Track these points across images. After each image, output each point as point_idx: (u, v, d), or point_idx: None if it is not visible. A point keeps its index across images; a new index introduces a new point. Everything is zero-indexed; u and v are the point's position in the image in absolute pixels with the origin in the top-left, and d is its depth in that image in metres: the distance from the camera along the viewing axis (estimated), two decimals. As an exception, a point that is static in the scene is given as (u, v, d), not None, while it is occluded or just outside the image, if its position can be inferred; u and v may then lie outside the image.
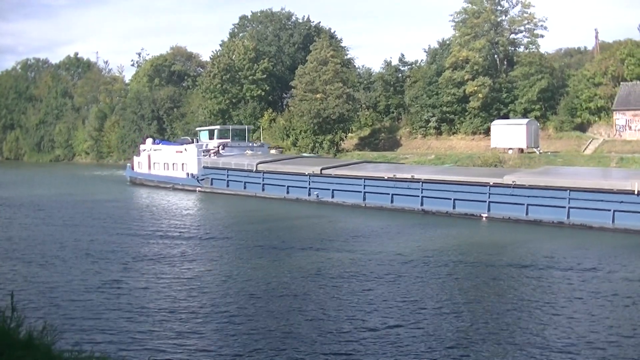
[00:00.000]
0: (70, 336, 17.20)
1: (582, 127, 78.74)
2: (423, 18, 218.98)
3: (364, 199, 49.44)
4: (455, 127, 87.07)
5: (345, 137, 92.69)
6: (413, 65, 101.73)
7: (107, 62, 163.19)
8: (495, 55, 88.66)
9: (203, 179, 65.50)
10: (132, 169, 78.36)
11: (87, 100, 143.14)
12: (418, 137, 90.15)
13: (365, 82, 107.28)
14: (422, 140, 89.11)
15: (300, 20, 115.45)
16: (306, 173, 54.53)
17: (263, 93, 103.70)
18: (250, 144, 74.66)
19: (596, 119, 78.27)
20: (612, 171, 51.24)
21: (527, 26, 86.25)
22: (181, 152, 69.96)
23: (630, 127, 72.93)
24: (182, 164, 69.10)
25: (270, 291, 23.02)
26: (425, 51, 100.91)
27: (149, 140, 79.16)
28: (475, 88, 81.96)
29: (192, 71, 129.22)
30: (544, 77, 79.95)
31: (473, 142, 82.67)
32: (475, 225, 40.76)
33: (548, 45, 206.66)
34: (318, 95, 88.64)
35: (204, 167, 66.24)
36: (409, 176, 47.30)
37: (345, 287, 23.54)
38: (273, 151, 78.36)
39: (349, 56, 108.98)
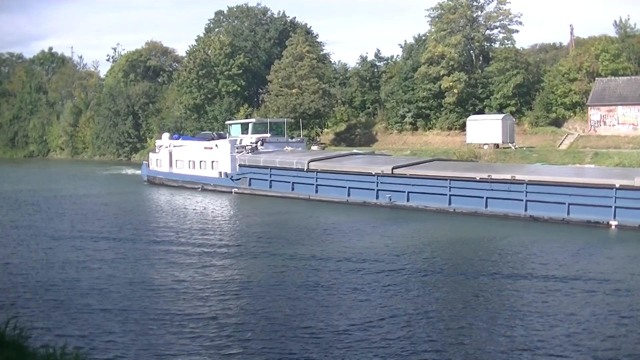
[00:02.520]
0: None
1: (558, 123, 79.01)
2: (399, 14, 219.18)
3: (450, 202, 43.40)
4: (431, 123, 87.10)
5: (321, 132, 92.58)
6: (389, 61, 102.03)
7: (81, 57, 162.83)
8: (471, 51, 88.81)
9: (239, 179, 58.90)
10: (148, 166, 71.72)
11: (61, 95, 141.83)
12: (394, 132, 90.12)
13: (341, 77, 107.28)
14: (398, 135, 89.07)
15: (276, 16, 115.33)
16: (373, 173, 48.03)
17: (239, 88, 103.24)
18: (289, 140, 68.26)
19: (571, 114, 78.61)
20: None
21: (502, 22, 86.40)
22: (211, 148, 63.18)
23: (604, 123, 73.23)
24: (212, 161, 62.28)
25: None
26: (401, 47, 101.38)
27: (166, 135, 74.05)
28: (451, 83, 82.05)
29: (168, 66, 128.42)
30: (519, 72, 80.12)
31: (449, 137, 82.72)
32: (608, 235, 35.25)
33: (523, 40, 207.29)
34: (294, 91, 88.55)
35: (240, 166, 59.24)
36: (508, 177, 41.25)
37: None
38: (314, 147, 72.37)
39: (325, 52, 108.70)
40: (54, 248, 31.56)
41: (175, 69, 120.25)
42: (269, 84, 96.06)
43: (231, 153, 60.49)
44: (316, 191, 51.69)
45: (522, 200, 40.04)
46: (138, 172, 78.24)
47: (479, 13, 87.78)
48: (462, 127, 78.50)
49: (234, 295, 22.80)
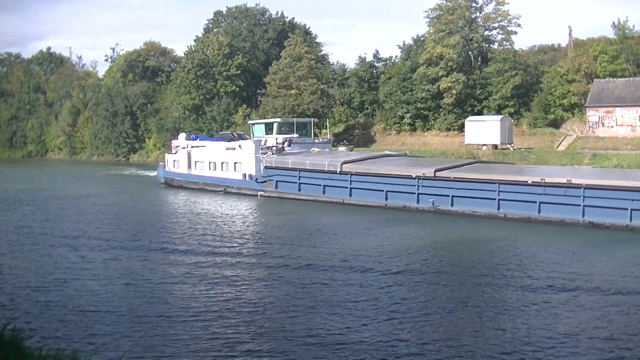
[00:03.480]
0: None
1: (556, 124, 79.07)
2: (398, 14, 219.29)
3: (499, 207, 41.24)
4: (430, 124, 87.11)
5: (320, 133, 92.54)
6: (387, 62, 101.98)
7: (80, 57, 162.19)
8: (470, 52, 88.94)
9: (265, 182, 56.35)
10: (165, 168, 68.92)
11: (59, 95, 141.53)
12: (392, 133, 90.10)
13: (339, 78, 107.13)
14: (396, 136, 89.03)
15: (275, 16, 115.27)
16: (414, 175, 45.56)
17: (237, 89, 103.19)
18: (316, 140, 66.21)
19: (569, 115, 78.74)
20: None
21: (501, 23, 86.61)
22: (234, 149, 60.48)
23: (603, 124, 73.30)
24: (235, 163, 59.71)
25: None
26: (399, 47, 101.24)
27: (182, 136, 71.65)
28: (450, 84, 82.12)
29: (166, 67, 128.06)
30: (517, 73, 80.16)
31: (447, 138, 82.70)
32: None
33: (522, 42, 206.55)
34: (292, 91, 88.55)
35: (266, 168, 56.73)
36: (564, 180, 38.98)
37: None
38: (342, 148, 68.21)
39: (323, 52, 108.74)
40: (71, 253, 30.70)
41: (174, 69, 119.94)
42: (267, 85, 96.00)
43: (255, 154, 58.04)
44: (350, 195, 49.43)
45: (579, 205, 37.94)
46: (142, 172, 77.58)
47: (478, 14, 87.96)
48: (461, 128, 78.54)
49: (263, 314, 21.06)
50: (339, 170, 50.31)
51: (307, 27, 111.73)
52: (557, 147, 71.51)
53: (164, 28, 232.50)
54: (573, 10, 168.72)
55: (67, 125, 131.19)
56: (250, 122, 72.29)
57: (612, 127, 72.58)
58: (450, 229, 38.00)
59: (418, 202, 45.08)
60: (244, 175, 58.36)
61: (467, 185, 43.19)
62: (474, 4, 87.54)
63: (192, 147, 66.48)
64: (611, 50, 78.35)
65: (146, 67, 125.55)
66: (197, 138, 71.23)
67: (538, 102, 79.38)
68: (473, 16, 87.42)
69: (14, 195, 57.35)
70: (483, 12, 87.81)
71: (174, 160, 67.62)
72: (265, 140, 62.10)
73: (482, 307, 21.46)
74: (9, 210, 46.89)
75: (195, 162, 64.80)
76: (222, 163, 61.24)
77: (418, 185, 45.24)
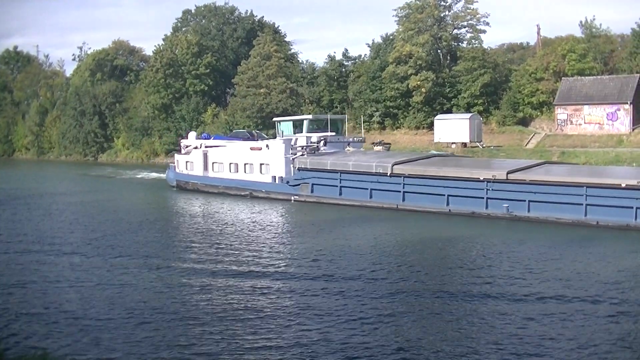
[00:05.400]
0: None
1: (525, 122, 79.46)
2: (367, 13, 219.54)
3: (586, 213, 37.13)
4: (399, 122, 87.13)
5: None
6: (357, 60, 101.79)
7: (47, 56, 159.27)
8: (439, 50, 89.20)
9: (298, 185, 51.89)
10: (176, 169, 64.27)
11: (27, 94, 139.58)
12: (362, 131, 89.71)
13: (308, 77, 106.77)
14: (366, 134, 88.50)
15: (244, 15, 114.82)
16: (481, 178, 41.46)
17: (206, 88, 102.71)
18: (351, 139, 61.14)
19: (538, 113, 79.17)
20: None
21: (470, 22, 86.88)
22: (260, 149, 55.82)
23: (571, 122, 73.64)
24: (261, 164, 54.99)
25: None
26: (368, 46, 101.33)
27: (192, 135, 67.36)
28: (419, 83, 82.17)
29: (135, 66, 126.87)
30: (486, 72, 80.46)
31: (416, 136, 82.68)
32: None
33: (491, 40, 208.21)
34: (261, 90, 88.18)
35: (300, 169, 52.37)
36: None
37: None
38: (378, 148, 62.37)
39: (292, 51, 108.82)
40: (86, 263, 28.75)
41: (143, 68, 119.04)
42: (235, 86, 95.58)
43: (285, 155, 53.57)
44: (403, 199, 45.04)
45: None
46: (120, 173, 75.93)
47: (447, 13, 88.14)
48: (430, 126, 78.62)
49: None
50: (389, 172, 45.91)
51: (276, 25, 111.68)
52: (525, 145, 71.83)
53: (132, 26, 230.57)
54: (541, 9, 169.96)
55: (35, 124, 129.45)
56: (275, 119, 66.53)
57: (580, 125, 72.92)
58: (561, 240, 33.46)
59: (487, 207, 41.07)
60: (274, 177, 53.80)
61: (545, 189, 39.00)
62: (443, 3, 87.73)
63: (205, 146, 61.92)
64: (579, 48, 78.75)
65: (115, 66, 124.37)
66: (210, 137, 66.82)
67: (507, 101, 79.70)
68: (442, 15, 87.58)
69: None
70: (452, 11, 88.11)
71: (187, 162, 62.77)
72: (296, 140, 57.16)
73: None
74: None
75: (213, 163, 60.02)
76: (246, 164, 56.67)
77: (487, 189, 41.17)
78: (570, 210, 37.59)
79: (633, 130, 69.30)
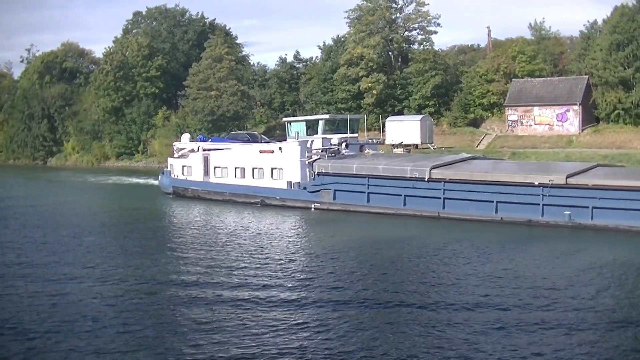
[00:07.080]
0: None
1: (476, 123, 79.82)
2: (318, 15, 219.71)
3: None
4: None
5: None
6: (308, 62, 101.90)
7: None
8: (390, 52, 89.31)
9: (318, 191, 47.45)
10: (171, 175, 59.36)
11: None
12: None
13: (260, 79, 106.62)
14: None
15: (195, 17, 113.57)
16: (537, 183, 37.85)
17: (157, 90, 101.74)
18: (369, 141, 57.99)
19: (489, 114, 79.62)
20: None
21: (421, 24, 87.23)
22: (271, 152, 51.10)
23: (522, 123, 74.06)
24: (273, 168, 50.30)
25: None
26: (320, 48, 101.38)
27: (186, 137, 62.75)
28: (370, 84, 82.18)
29: (85, 68, 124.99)
30: (437, 73, 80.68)
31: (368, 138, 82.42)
32: None
33: (442, 42, 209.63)
34: (212, 93, 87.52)
35: (320, 174, 47.73)
36: None
37: None
38: (398, 150, 59.83)
39: (244, 53, 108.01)
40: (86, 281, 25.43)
41: (93, 70, 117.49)
42: (186, 89, 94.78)
43: (301, 158, 48.99)
44: (443, 207, 41.14)
45: None
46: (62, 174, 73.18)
47: (398, 15, 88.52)
48: (382, 128, 78.39)
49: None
50: (427, 177, 41.77)
51: (227, 28, 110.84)
52: (477, 146, 71.97)
53: (82, 28, 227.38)
54: (492, 11, 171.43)
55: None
56: (285, 119, 62.27)
57: (530, 125, 73.36)
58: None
59: (543, 214, 37.53)
60: (289, 183, 49.20)
61: (611, 195, 35.55)
62: (394, 5, 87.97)
63: (205, 149, 56.75)
64: (529, 50, 79.34)
65: (64, 68, 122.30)
66: (206, 139, 62.37)
67: (458, 102, 79.99)
68: (393, 17, 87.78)
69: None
70: (403, 13, 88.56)
71: (184, 166, 57.96)
72: (312, 142, 51.98)
73: None
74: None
75: (215, 167, 55.05)
76: (254, 169, 51.73)
77: (543, 195, 37.60)
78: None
79: (582, 130, 69.90)
